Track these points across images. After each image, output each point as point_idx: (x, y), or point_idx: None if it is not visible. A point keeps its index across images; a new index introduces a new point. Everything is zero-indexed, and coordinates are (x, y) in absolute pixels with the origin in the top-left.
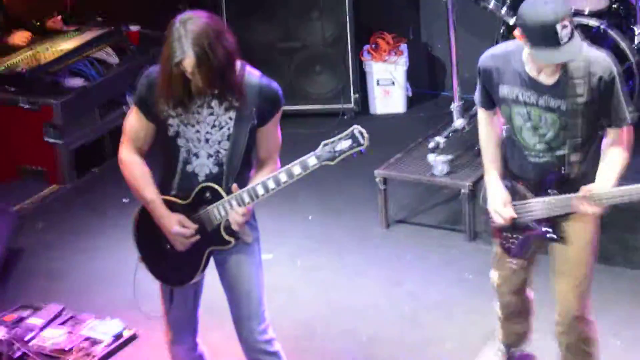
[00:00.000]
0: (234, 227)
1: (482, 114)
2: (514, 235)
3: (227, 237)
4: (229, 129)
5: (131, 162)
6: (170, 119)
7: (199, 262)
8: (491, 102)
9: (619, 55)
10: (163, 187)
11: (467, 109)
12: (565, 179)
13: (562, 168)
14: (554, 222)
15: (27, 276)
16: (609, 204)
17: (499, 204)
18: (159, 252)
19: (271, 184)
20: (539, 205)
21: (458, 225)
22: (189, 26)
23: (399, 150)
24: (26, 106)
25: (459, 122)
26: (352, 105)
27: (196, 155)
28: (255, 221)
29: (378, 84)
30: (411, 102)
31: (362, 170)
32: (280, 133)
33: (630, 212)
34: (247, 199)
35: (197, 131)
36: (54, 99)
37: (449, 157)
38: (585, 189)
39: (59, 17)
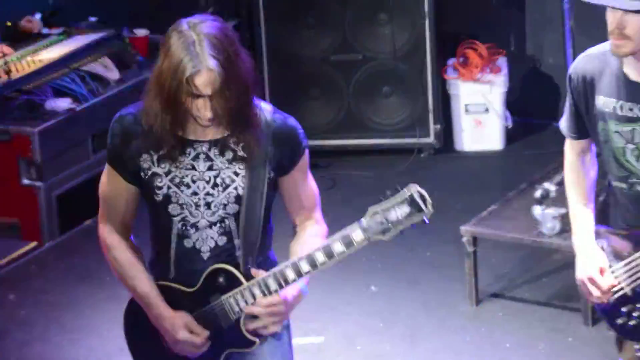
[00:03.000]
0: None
1: (571, 147)
2: (630, 310)
3: (250, 337)
4: (236, 188)
5: (112, 245)
6: (156, 179)
7: None
8: (584, 127)
9: None
10: (157, 269)
11: None
12: None
13: None
14: None
15: None
16: None
17: (593, 269)
18: (158, 356)
19: (304, 266)
20: None
21: (573, 302)
22: (202, 28)
23: (494, 201)
24: None
25: None
26: (431, 139)
27: (195, 226)
28: None
29: (467, 111)
30: (511, 135)
31: (444, 226)
32: (313, 183)
33: None
34: (273, 285)
35: (194, 193)
36: (30, 126)
37: (562, 210)
38: None
39: (37, 16)
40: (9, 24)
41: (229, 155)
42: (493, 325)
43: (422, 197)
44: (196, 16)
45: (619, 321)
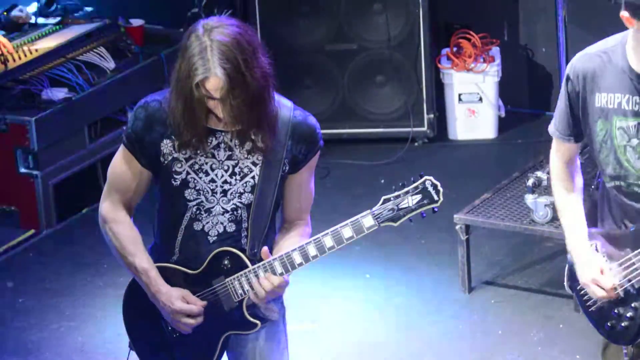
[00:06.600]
0: (257, 301)
1: (560, 153)
2: (622, 312)
3: (252, 320)
4: (253, 177)
5: (115, 220)
6: (176, 164)
7: (211, 351)
8: (579, 129)
9: None
10: (160, 252)
11: None
12: None
13: None
14: None
15: None
16: None
17: (594, 271)
18: (157, 338)
19: (312, 251)
20: None
21: (565, 289)
22: (216, 35)
23: (487, 189)
24: None
25: None
26: (425, 128)
27: (208, 211)
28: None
29: (460, 100)
30: (504, 124)
31: (437, 214)
32: (313, 185)
33: None
34: (279, 269)
35: (212, 180)
36: (27, 115)
37: (554, 198)
38: None
39: (33, 6)
40: (5, 13)
41: (249, 145)
42: (486, 312)
43: (434, 186)
44: (214, 19)
45: (609, 323)
